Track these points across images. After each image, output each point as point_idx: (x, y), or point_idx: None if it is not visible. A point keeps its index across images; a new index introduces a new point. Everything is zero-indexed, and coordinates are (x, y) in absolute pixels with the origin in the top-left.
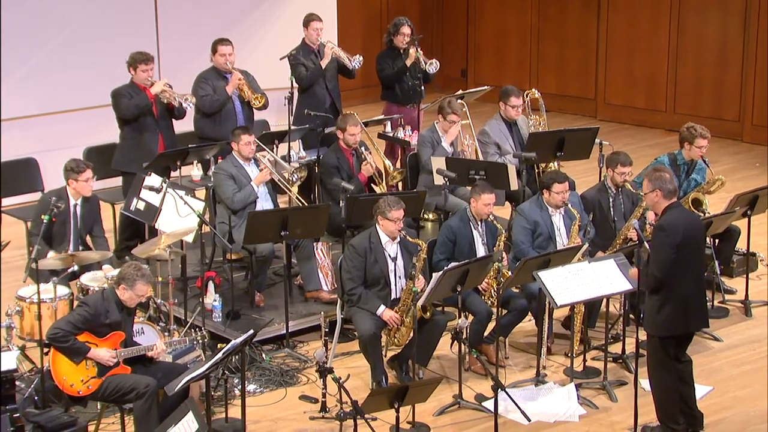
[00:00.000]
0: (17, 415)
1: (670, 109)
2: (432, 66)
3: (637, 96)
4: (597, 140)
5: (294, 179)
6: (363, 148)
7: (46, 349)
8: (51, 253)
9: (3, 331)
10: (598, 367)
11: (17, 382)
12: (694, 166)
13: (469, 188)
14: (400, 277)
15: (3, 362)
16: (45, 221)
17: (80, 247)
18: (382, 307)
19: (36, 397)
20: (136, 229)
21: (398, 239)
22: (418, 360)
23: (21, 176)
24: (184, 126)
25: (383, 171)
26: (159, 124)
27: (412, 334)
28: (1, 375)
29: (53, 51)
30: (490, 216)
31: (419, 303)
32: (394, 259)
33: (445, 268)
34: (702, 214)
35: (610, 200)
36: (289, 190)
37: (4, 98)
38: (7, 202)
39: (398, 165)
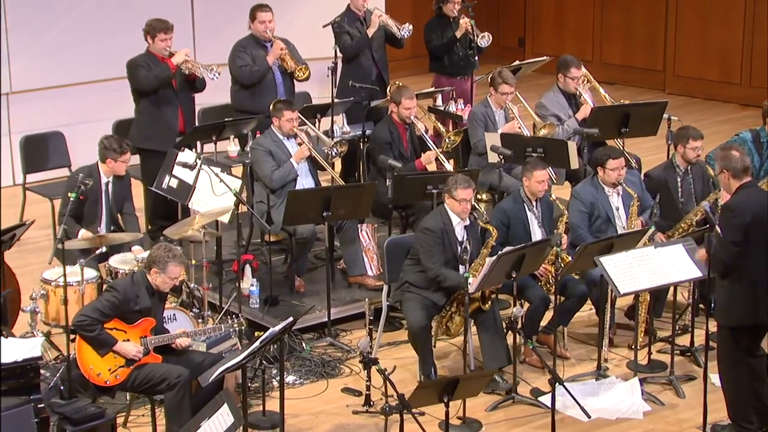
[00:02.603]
0: (42, 405)
1: (745, 82)
2: (484, 39)
3: (710, 68)
4: (665, 115)
5: (333, 154)
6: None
7: (72, 336)
8: (82, 232)
9: (27, 316)
10: (664, 361)
11: (42, 371)
12: None
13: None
14: (465, 263)
15: (27, 349)
16: (72, 199)
17: (112, 227)
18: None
19: (61, 387)
20: (166, 207)
21: (466, 222)
22: (491, 364)
23: (47, 151)
24: (220, 98)
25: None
26: (179, 97)
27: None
28: (25, 363)
29: (82, 17)
30: (552, 196)
31: (471, 290)
32: (461, 243)
33: (499, 252)
34: None
35: (678, 180)
36: (330, 169)
37: (29, 67)
38: (31, 178)
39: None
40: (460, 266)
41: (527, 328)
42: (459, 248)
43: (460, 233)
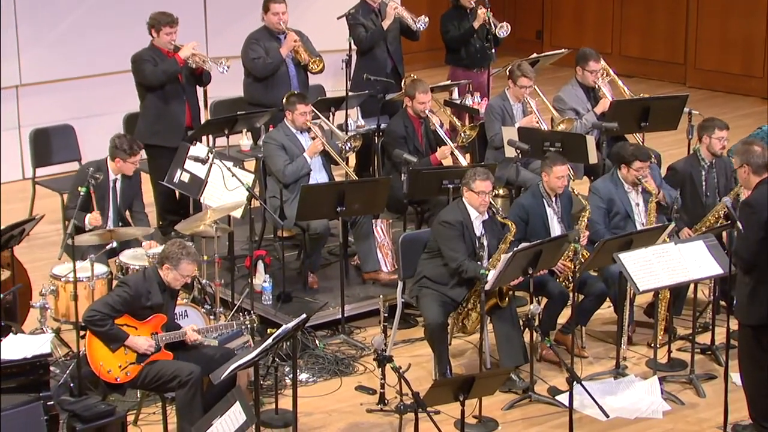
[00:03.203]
0: (51, 403)
1: None
2: (502, 30)
3: (732, 60)
4: (686, 109)
5: (347, 149)
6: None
7: (82, 332)
8: (89, 216)
9: (37, 312)
10: (684, 359)
11: (51, 368)
12: None
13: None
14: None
15: (37, 346)
16: (82, 193)
17: (120, 223)
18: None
19: (71, 384)
20: (176, 202)
21: (484, 217)
22: (508, 362)
23: (57, 145)
24: (232, 91)
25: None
26: (185, 92)
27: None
28: (35, 360)
29: (92, 8)
30: (574, 190)
31: (486, 287)
32: (479, 238)
33: (515, 249)
34: None
35: (703, 173)
36: (343, 164)
37: (39, 60)
38: (41, 172)
39: (467, 121)
40: (477, 262)
41: (545, 324)
42: (477, 243)
43: (478, 228)
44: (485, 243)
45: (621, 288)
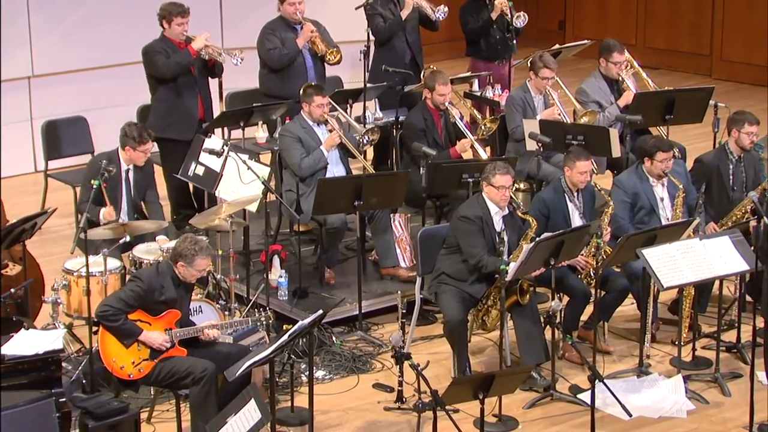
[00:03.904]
0: (63, 399)
1: None
2: (519, 20)
3: (759, 52)
4: (711, 101)
5: (365, 142)
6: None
7: (95, 328)
8: (103, 210)
9: (49, 308)
10: (709, 358)
11: (63, 364)
12: None
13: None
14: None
15: (49, 341)
16: (95, 186)
17: (135, 216)
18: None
19: (84, 381)
20: (190, 196)
21: (504, 212)
22: (529, 359)
23: (69, 137)
24: (248, 82)
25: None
26: (198, 84)
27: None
28: (47, 356)
29: None
30: (597, 185)
31: (507, 278)
32: (499, 233)
33: (537, 239)
34: None
35: (731, 167)
36: (360, 157)
37: (51, 50)
38: (53, 165)
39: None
40: (497, 257)
41: (567, 323)
42: (497, 238)
43: (498, 223)
44: (505, 238)
45: (644, 284)
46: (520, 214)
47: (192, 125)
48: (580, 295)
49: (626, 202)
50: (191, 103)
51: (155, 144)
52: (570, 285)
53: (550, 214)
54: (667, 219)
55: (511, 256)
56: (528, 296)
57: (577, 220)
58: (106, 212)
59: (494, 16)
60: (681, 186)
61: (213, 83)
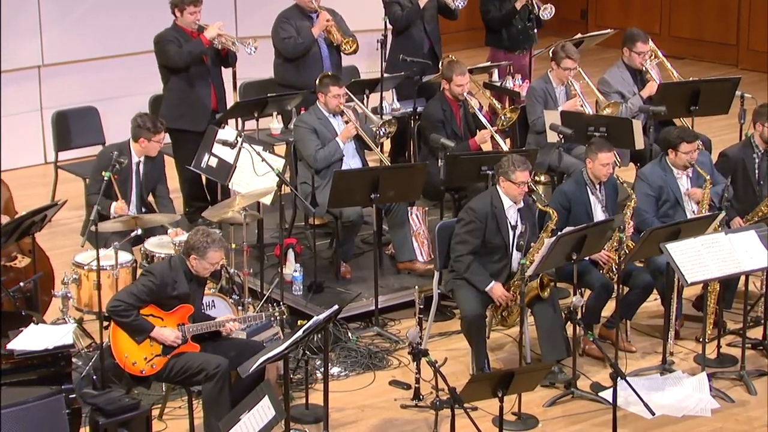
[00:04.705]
0: (73, 396)
1: None
2: (546, 11)
3: None
4: (738, 92)
5: (382, 134)
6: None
7: (105, 323)
8: (114, 204)
9: (59, 302)
10: (734, 355)
11: (74, 359)
12: None
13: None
14: (521, 248)
15: (59, 337)
16: (105, 178)
17: (143, 209)
18: (493, 282)
19: (94, 377)
20: (203, 188)
21: (519, 205)
22: (549, 356)
23: (80, 127)
24: (262, 72)
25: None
26: (211, 73)
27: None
28: (57, 351)
29: None
30: (619, 178)
31: (528, 272)
32: (514, 228)
33: (559, 233)
34: None
35: (756, 160)
36: (377, 149)
37: (62, 39)
38: (63, 156)
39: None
40: (515, 252)
41: (588, 317)
42: (512, 233)
43: (513, 217)
44: (525, 232)
45: (668, 280)
46: (540, 206)
47: (205, 116)
48: (602, 289)
49: (651, 196)
50: (204, 93)
51: (167, 135)
52: (591, 278)
53: (572, 207)
54: (693, 212)
55: (531, 249)
56: (548, 291)
57: (599, 214)
58: (117, 206)
59: (519, 5)
60: (708, 177)
61: (226, 73)
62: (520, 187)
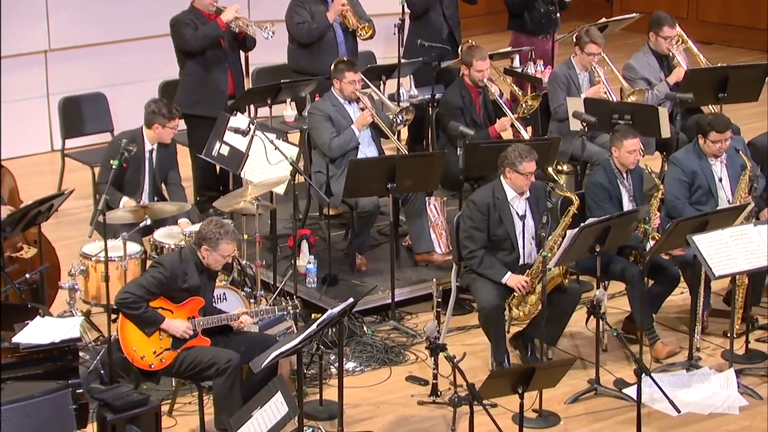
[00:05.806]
0: (80, 391)
1: None
2: None
3: None
4: (767, 79)
5: (399, 122)
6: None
7: (114, 316)
8: (124, 200)
9: (65, 294)
10: (762, 351)
11: (81, 353)
12: None
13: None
14: (531, 239)
15: (65, 330)
16: (114, 167)
17: (155, 198)
18: (509, 274)
19: (102, 371)
20: (216, 177)
21: (527, 194)
22: (546, 339)
23: (87, 114)
24: (275, 57)
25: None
26: (228, 58)
27: (540, 307)
28: (63, 345)
29: None
30: (647, 167)
31: (550, 265)
32: (523, 218)
33: (582, 224)
34: None
35: None
36: (394, 137)
37: (69, 23)
38: (71, 144)
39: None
40: (526, 243)
41: (643, 312)
42: (521, 223)
43: (521, 207)
44: (530, 223)
45: (695, 273)
46: (559, 191)
47: (221, 101)
48: (667, 280)
49: (683, 181)
50: (220, 78)
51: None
52: (624, 270)
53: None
54: (727, 200)
55: (551, 236)
56: (569, 279)
57: (627, 202)
58: (126, 202)
59: None
60: (750, 165)
61: (241, 58)
62: (527, 178)
